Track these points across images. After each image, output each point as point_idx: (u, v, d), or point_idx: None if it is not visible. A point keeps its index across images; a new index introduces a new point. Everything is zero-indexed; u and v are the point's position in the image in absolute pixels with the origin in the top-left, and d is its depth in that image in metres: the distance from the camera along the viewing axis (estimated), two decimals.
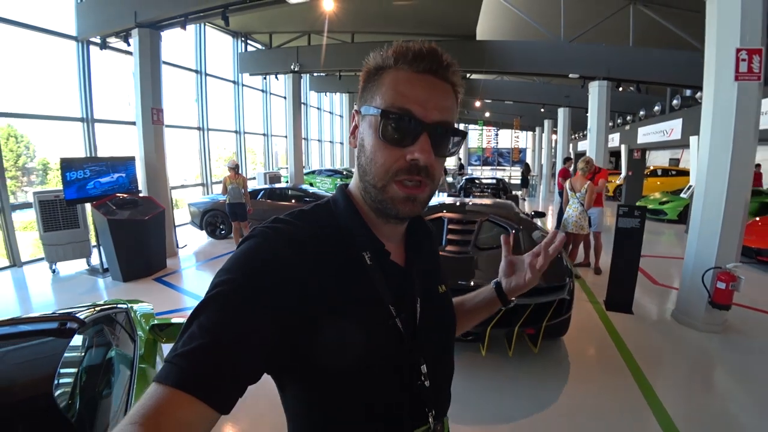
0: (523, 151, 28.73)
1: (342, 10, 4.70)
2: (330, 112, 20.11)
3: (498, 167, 29.48)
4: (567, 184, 5.45)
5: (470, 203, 4.63)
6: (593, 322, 4.21)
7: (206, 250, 7.72)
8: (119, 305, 2.39)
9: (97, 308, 2.11)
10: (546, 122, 19.53)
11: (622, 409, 2.80)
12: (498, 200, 5.46)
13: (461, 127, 30.05)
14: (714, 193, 3.88)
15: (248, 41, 12.58)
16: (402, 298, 0.67)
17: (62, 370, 1.42)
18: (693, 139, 8.52)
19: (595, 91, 8.91)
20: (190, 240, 8.28)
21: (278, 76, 11.24)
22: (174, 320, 2.33)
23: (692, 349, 3.73)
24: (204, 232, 8.42)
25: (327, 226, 0.66)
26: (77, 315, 1.79)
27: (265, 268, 0.56)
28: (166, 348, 2.38)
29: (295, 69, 10.06)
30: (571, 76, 8.90)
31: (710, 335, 3.93)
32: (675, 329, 4.11)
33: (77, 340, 1.68)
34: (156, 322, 2.30)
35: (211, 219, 8.31)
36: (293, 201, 8.68)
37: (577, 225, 5.28)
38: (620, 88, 9.37)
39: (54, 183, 10.36)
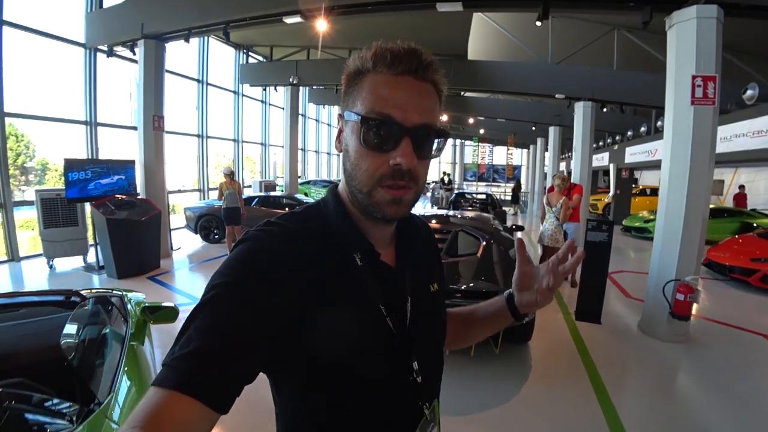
0: (518, 168, 29.19)
1: (339, 27, 5.03)
2: (328, 124, 20.51)
3: (493, 183, 29.90)
4: (544, 199, 5.75)
5: (450, 215, 4.91)
6: (561, 331, 4.43)
7: (199, 253, 7.94)
8: (114, 291, 2.63)
9: (94, 290, 2.35)
10: (539, 140, 19.98)
11: (576, 408, 2.99)
12: (480, 214, 5.74)
13: (454, 138, 30.60)
14: (673, 210, 4.15)
15: (250, 53, 13.00)
16: (393, 298, 0.68)
17: (66, 333, 1.66)
18: None
19: (580, 112, 9.28)
20: (184, 243, 8.51)
21: (277, 87, 11.60)
22: (164, 304, 2.56)
23: (652, 357, 3.93)
24: (198, 235, 8.66)
25: (318, 228, 0.67)
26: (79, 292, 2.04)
27: (258, 271, 0.57)
28: (155, 328, 2.61)
29: (294, 82, 10.42)
30: (557, 96, 9.29)
31: (672, 345, 4.12)
32: (639, 339, 4.31)
33: (79, 313, 1.92)
34: (147, 304, 2.53)
35: (205, 223, 8.56)
36: (286, 209, 8.95)
37: (552, 238, 5.55)
38: (605, 109, 9.70)
39: (52, 183, 10.58)
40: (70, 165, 5.59)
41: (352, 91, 0.64)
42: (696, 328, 4.55)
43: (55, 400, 1.30)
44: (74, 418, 1.25)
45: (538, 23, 4.53)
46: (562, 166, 16.79)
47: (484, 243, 3.93)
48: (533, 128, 16.16)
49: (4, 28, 6.24)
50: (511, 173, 24.88)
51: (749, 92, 7.42)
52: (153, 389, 0.48)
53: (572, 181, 8.80)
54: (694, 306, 4.16)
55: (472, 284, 3.37)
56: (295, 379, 0.63)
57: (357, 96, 0.63)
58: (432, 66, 0.63)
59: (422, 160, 0.63)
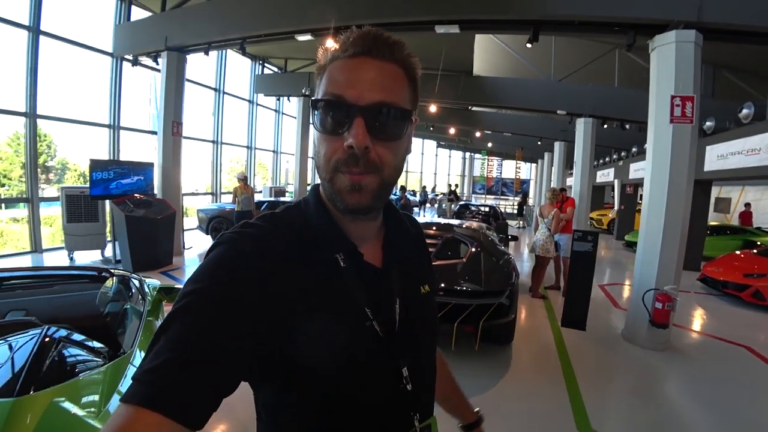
0: (526, 182, 29.34)
1: None
2: None
3: (501, 196, 30.06)
4: (536, 211, 6.02)
5: (445, 223, 5.23)
6: (545, 336, 4.64)
7: None
8: (134, 275, 2.99)
9: (119, 272, 2.71)
10: (546, 155, 20.19)
11: (546, 402, 3.20)
12: (478, 223, 6.04)
13: (464, 151, 30.81)
14: (654, 222, 4.38)
15: (265, 64, 13.59)
16: (380, 300, 0.65)
17: (101, 299, 2.02)
18: None
19: (581, 128, 9.54)
20: (195, 243, 8.93)
21: (290, 98, 12.10)
22: (177, 286, 2.90)
23: (629, 362, 4.11)
24: (209, 236, 9.09)
25: (297, 228, 0.64)
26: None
27: (233, 276, 0.54)
28: (167, 309, 2.95)
29: (306, 93, 10.89)
30: (559, 112, 9.58)
31: (651, 352, 4.28)
32: (620, 345, 4.49)
33: (110, 285, 2.29)
34: (163, 286, 2.88)
35: (216, 225, 8.98)
36: None
37: (543, 248, 5.81)
38: (605, 125, 9.94)
39: (71, 182, 11.11)
40: (95, 165, 6.06)
41: (317, 86, 0.62)
42: (679, 338, 4.73)
43: (94, 343, 1.64)
44: (106, 358, 1.59)
45: (529, 45, 4.86)
46: (570, 180, 16.98)
47: (473, 249, 4.22)
48: (539, 143, 16.41)
49: (41, 37, 6.79)
50: (519, 187, 25.07)
51: (745, 111, 7.64)
52: (120, 406, 0.45)
53: (573, 195, 9.06)
54: (672, 316, 4.30)
55: (455, 284, 3.66)
56: (276, 387, 0.60)
57: (318, 88, 0.61)
58: (395, 46, 0.60)
59: (384, 141, 0.58)
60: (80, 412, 1.15)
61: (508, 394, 3.32)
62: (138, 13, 8.43)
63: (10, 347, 1.37)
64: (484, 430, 0.99)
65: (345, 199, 0.59)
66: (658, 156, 4.32)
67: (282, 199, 10.80)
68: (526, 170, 29.87)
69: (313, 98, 0.60)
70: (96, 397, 1.30)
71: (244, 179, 7.53)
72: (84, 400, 1.24)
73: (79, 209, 6.35)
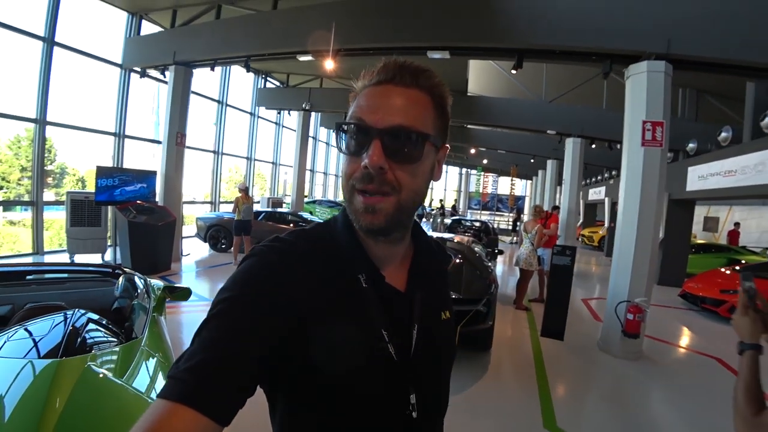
0: (521, 198, 29.77)
1: (348, 62, 5.77)
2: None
3: (497, 212, 30.45)
4: (521, 227, 6.32)
5: (435, 236, 5.53)
6: (524, 344, 4.88)
7: (206, 260, 8.58)
8: (139, 275, 3.25)
9: (128, 271, 2.98)
10: (540, 172, 20.63)
11: (519, 405, 3.42)
12: (468, 238, 6.34)
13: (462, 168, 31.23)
14: (626, 238, 4.67)
15: (268, 78, 14.02)
16: (397, 324, 0.66)
17: (117, 292, 2.28)
18: None
19: (570, 147, 9.93)
20: (193, 250, 9.16)
21: (291, 112, 12.48)
22: (178, 285, 3.15)
23: (601, 370, 4.35)
24: (207, 244, 9.33)
25: (324, 246, 0.67)
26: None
27: (262, 286, 0.58)
28: (170, 303, 3.20)
29: (306, 108, 11.28)
30: (549, 132, 9.98)
31: (624, 361, 4.51)
32: (595, 355, 4.72)
33: (122, 281, 2.56)
34: (167, 285, 3.13)
35: (214, 233, 9.23)
36: (291, 225, 9.63)
37: (526, 262, 6.09)
38: (593, 145, 10.33)
39: (69, 186, 11.35)
40: (101, 172, 6.33)
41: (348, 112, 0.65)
42: (653, 349, 4.96)
43: (113, 327, 1.90)
44: (121, 340, 1.85)
45: (514, 71, 5.23)
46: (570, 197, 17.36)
47: (457, 260, 4.52)
48: (532, 160, 16.83)
49: (55, 48, 7.13)
50: (514, 203, 25.47)
51: (723, 134, 8.04)
52: (159, 401, 0.49)
53: (563, 211, 9.39)
54: (643, 326, 4.56)
55: None
56: (289, 397, 0.63)
57: (348, 114, 0.65)
58: (419, 73, 0.63)
59: (402, 164, 0.60)
60: (108, 374, 1.44)
61: (483, 394, 3.55)
62: (147, 27, 8.81)
63: (52, 323, 1.66)
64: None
65: (360, 219, 0.62)
66: (630, 176, 4.64)
67: (279, 210, 11.08)
68: (522, 187, 30.34)
69: (337, 122, 0.64)
70: (117, 366, 1.59)
71: (245, 190, 7.84)
72: (108, 367, 1.51)
73: (83, 213, 6.60)
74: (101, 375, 1.39)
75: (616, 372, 4.30)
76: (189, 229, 10.38)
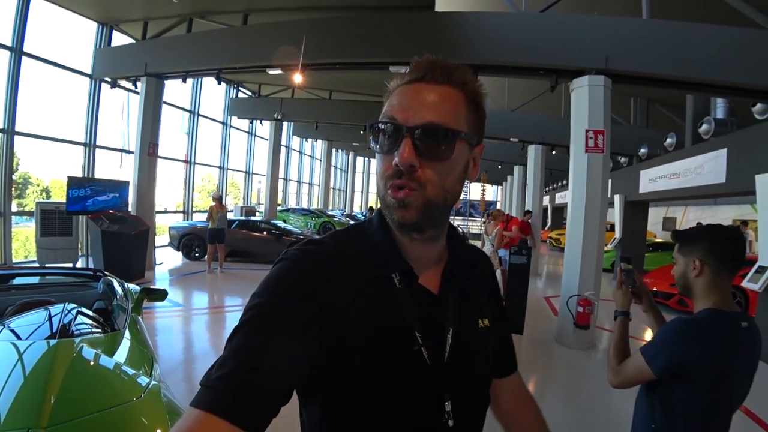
0: (492, 203, 30.63)
1: (316, 75, 6.05)
2: (311, 156, 21.65)
3: (469, 218, 31.21)
4: (483, 229, 6.74)
5: None
6: None
7: (179, 268, 8.64)
8: (118, 279, 3.42)
9: (108, 275, 3.15)
10: (509, 177, 21.42)
11: None
12: None
13: None
14: (574, 237, 5.11)
15: (240, 88, 14.14)
16: (430, 327, 0.64)
17: (100, 291, 2.48)
18: (616, 197, 10.06)
19: (533, 154, 10.50)
20: (166, 259, 9.18)
21: (263, 121, 12.65)
22: (155, 287, 3.35)
23: (555, 359, 4.73)
24: (180, 253, 9.36)
25: (357, 247, 0.67)
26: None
27: (294, 290, 0.58)
28: (146, 305, 3.38)
29: (278, 117, 11.49)
30: (512, 139, 10.51)
31: (578, 351, 4.88)
32: (551, 346, 5.08)
33: (103, 283, 2.75)
34: (144, 287, 3.32)
35: (187, 242, 9.29)
36: (264, 233, 9.78)
37: None
38: (554, 152, 10.93)
39: (33, 197, 11.12)
40: (73, 182, 6.37)
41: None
42: (604, 340, 5.37)
43: (99, 318, 2.12)
44: (106, 331, 2.07)
45: None
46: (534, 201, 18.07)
47: None
48: (500, 167, 17.48)
49: (23, 58, 7.12)
50: (485, 208, 26.23)
51: (669, 140, 8.76)
52: (191, 410, 0.49)
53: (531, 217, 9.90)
54: (593, 318, 4.95)
55: None
56: (323, 399, 0.62)
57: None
58: (451, 70, 0.62)
59: (432, 162, 0.60)
60: (99, 352, 1.67)
61: None
62: (118, 38, 8.86)
63: (47, 314, 1.89)
64: None
65: (393, 214, 0.61)
66: (576, 180, 5.09)
67: (252, 218, 11.19)
68: (493, 192, 31.28)
69: (370, 122, 0.63)
70: (105, 348, 1.83)
71: (219, 199, 7.97)
72: (98, 350, 1.74)
73: (54, 224, 6.59)
74: (94, 353, 1.62)
75: (568, 360, 4.67)
76: (162, 239, 10.37)
